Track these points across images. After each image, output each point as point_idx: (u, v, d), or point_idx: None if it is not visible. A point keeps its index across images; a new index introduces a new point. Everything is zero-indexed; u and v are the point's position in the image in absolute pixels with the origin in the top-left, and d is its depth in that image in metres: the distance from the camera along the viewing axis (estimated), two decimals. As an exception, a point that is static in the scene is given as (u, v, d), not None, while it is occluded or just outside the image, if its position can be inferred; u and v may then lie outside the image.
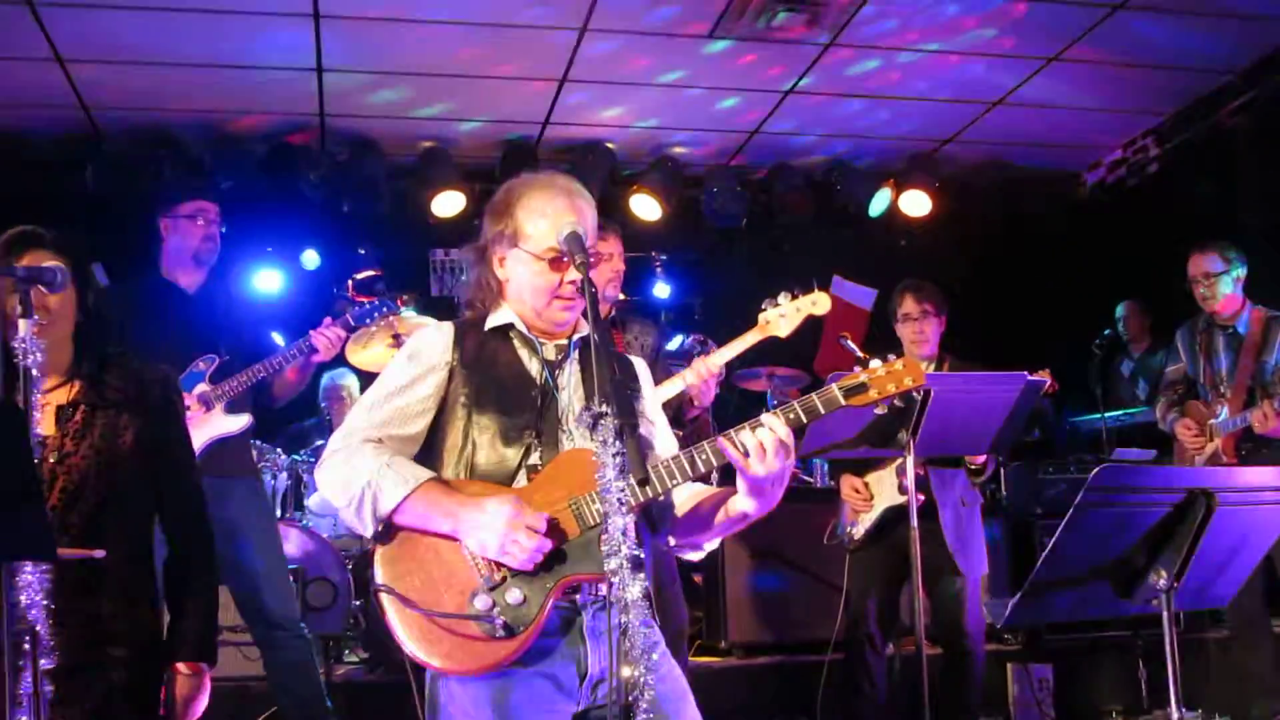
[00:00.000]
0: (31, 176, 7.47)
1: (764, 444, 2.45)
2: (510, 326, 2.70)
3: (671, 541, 2.79)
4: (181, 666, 2.93)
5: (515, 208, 2.67)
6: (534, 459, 2.56)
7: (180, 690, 2.93)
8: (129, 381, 2.97)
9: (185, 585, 3.01)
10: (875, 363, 2.58)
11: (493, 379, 2.63)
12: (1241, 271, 5.52)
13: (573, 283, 2.61)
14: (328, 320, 4.59)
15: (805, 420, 2.54)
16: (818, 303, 4.55)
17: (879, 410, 2.62)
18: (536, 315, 2.68)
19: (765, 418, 2.50)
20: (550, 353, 2.70)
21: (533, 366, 2.66)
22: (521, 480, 2.55)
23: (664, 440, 2.84)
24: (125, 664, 2.82)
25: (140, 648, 2.88)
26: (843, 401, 2.56)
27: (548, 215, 2.62)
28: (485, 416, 2.58)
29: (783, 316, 4.51)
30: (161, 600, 3.00)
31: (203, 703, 2.97)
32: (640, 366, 2.92)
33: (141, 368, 3.03)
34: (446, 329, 2.71)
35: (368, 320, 4.73)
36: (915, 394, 2.67)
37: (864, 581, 5.04)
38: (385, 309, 4.76)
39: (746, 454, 2.46)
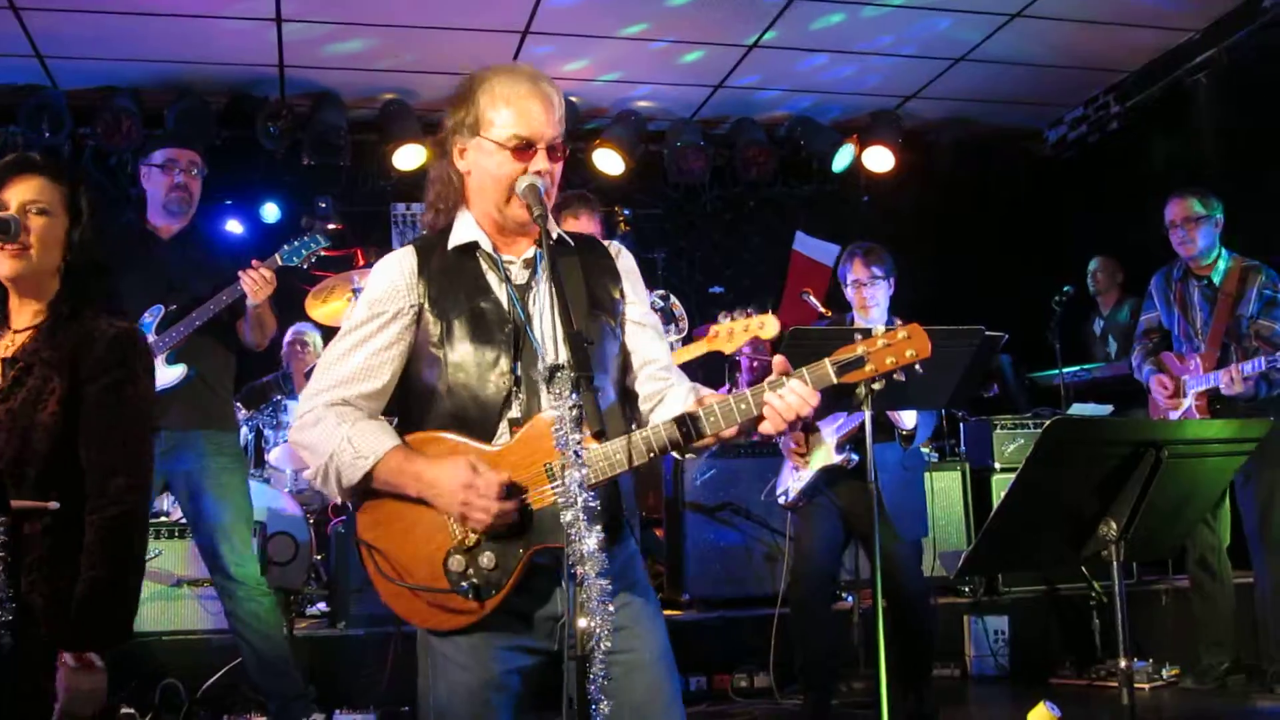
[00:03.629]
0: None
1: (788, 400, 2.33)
2: (475, 246, 2.53)
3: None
4: (66, 656, 2.55)
5: (478, 93, 2.52)
6: (514, 411, 2.45)
7: (62, 682, 2.54)
8: (78, 338, 2.67)
9: (85, 559, 2.57)
10: (878, 328, 2.41)
11: (463, 314, 2.48)
12: (1220, 218, 5.55)
13: (538, 173, 2.45)
14: (255, 261, 4.50)
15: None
16: (765, 326, 4.83)
17: (877, 386, 2.49)
18: (498, 212, 2.50)
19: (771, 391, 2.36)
20: (518, 273, 2.53)
21: (502, 294, 2.50)
22: (504, 432, 2.45)
23: (653, 347, 2.67)
24: (43, 641, 2.56)
25: (60, 623, 2.56)
26: (835, 380, 2.36)
27: (511, 101, 2.47)
28: (459, 358, 2.46)
29: (730, 334, 4.81)
30: None
31: (91, 703, 2.55)
32: (624, 258, 2.73)
33: (95, 324, 2.70)
34: (408, 263, 2.53)
35: (295, 258, 4.68)
36: (918, 368, 2.39)
37: (805, 539, 5.04)
38: (313, 244, 4.70)
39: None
